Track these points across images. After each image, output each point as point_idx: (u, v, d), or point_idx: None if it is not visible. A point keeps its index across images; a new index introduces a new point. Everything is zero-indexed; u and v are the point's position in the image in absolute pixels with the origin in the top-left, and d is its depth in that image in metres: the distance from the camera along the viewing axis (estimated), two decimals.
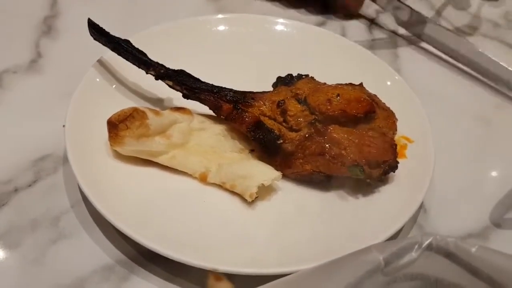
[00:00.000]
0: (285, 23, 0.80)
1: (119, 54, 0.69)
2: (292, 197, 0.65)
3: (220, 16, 0.80)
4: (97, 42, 0.70)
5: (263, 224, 0.62)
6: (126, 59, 0.69)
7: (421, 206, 0.66)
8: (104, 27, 0.69)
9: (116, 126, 0.63)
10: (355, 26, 0.86)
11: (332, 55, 0.77)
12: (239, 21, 0.80)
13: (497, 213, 0.67)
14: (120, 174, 0.63)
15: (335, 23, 0.87)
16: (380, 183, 0.65)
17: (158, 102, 0.71)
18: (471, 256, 0.48)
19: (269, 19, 0.80)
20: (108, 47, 0.69)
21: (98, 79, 0.70)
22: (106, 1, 0.85)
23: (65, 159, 0.66)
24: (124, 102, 0.69)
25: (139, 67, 0.68)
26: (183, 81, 0.67)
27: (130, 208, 0.60)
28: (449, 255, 0.48)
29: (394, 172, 0.64)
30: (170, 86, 0.68)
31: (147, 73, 0.68)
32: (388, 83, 0.74)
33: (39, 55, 0.79)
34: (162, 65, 0.67)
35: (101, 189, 0.60)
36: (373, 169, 0.62)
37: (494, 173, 0.73)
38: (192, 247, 0.58)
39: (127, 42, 0.68)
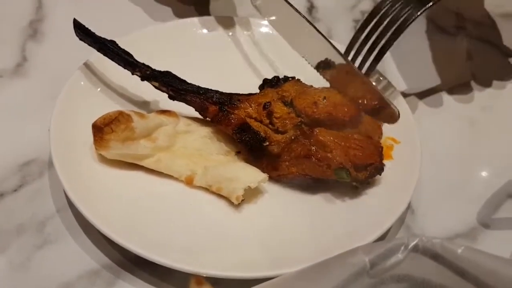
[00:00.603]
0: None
1: (105, 54, 0.68)
2: (279, 199, 0.64)
3: (205, 18, 0.80)
4: (82, 45, 0.69)
5: (249, 227, 0.62)
6: (112, 60, 0.68)
7: (409, 207, 0.66)
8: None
9: (101, 129, 0.62)
10: (341, 27, 0.86)
11: None
12: (225, 23, 0.79)
13: (484, 213, 0.67)
14: (106, 178, 0.63)
15: (322, 25, 0.87)
16: (366, 185, 0.65)
17: (144, 105, 0.71)
18: (457, 257, 0.48)
19: (255, 21, 0.80)
20: (94, 47, 0.69)
21: (83, 83, 0.70)
22: (92, 5, 0.85)
23: (50, 164, 0.65)
24: (109, 106, 0.68)
25: (124, 68, 0.68)
26: (169, 82, 0.66)
27: (115, 212, 0.60)
28: (435, 256, 0.48)
29: (380, 174, 0.64)
30: (156, 87, 0.67)
31: (132, 74, 0.68)
32: (375, 84, 0.74)
33: (24, 58, 0.78)
34: (148, 66, 0.67)
35: (86, 194, 0.60)
36: (359, 172, 0.63)
37: (481, 173, 0.73)
38: (178, 251, 0.58)
39: (113, 42, 0.68)
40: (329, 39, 0.70)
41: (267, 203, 0.64)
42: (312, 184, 0.64)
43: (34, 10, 0.84)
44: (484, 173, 0.73)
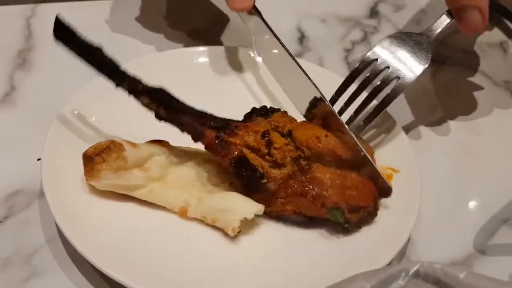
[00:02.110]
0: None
1: (88, 62, 0.62)
2: (276, 231, 0.63)
3: (192, 48, 0.79)
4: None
5: (245, 259, 0.61)
6: (96, 68, 0.63)
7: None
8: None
9: (92, 159, 0.61)
10: (332, 56, 0.86)
11: None
12: (214, 53, 0.79)
13: (480, 240, 0.67)
14: (97, 209, 0.62)
15: (313, 54, 0.88)
16: (357, 229, 0.64)
17: (135, 136, 0.68)
18: (460, 283, 0.47)
19: (244, 51, 0.79)
20: (75, 52, 0.62)
21: (75, 112, 0.69)
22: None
23: (39, 194, 0.64)
24: (101, 135, 0.68)
25: (109, 79, 0.63)
26: (163, 100, 0.62)
27: (107, 244, 0.59)
28: (437, 282, 0.48)
29: (372, 220, 0.63)
30: (144, 105, 0.63)
31: (117, 86, 0.63)
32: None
33: (13, 88, 0.77)
34: (139, 80, 0.63)
35: (77, 225, 0.59)
36: (352, 213, 0.62)
37: (475, 200, 0.73)
38: (172, 285, 0.57)
39: (100, 48, 0.62)
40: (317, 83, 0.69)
41: (263, 234, 0.63)
42: (305, 222, 0.64)
43: (23, 40, 0.84)
44: (478, 199, 0.73)
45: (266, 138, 0.63)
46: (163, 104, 0.62)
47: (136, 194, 0.63)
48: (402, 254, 0.65)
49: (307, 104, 0.69)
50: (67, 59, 0.64)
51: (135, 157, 0.62)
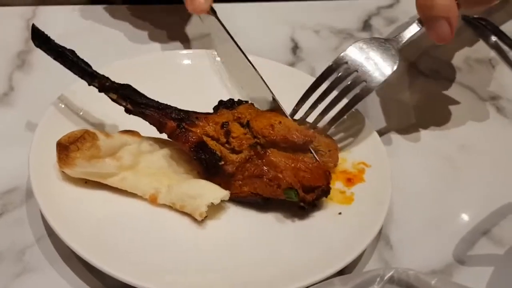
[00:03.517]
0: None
1: (62, 63, 0.68)
2: (240, 216, 0.66)
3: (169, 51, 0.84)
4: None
5: (212, 243, 0.63)
6: (69, 69, 0.68)
7: (388, 242, 0.67)
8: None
9: (67, 147, 0.63)
10: (324, 67, 0.86)
11: (284, 84, 0.77)
12: (190, 56, 0.82)
13: (460, 250, 0.68)
14: (79, 200, 0.64)
15: (305, 64, 0.90)
16: (313, 207, 0.66)
17: (107, 127, 0.72)
18: None
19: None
20: (51, 55, 0.68)
21: (61, 112, 0.71)
22: (79, 37, 0.85)
23: (30, 192, 0.65)
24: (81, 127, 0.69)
25: (82, 78, 0.68)
26: (128, 95, 0.67)
27: (87, 234, 0.61)
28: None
29: (326, 197, 0.66)
30: (113, 100, 0.67)
31: (89, 84, 0.68)
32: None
33: (11, 88, 0.79)
34: (107, 78, 0.68)
35: (66, 221, 0.61)
36: (307, 193, 0.65)
37: (457, 210, 0.73)
38: (145, 270, 0.59)
39: (72, 52, 0.68)
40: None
41: (228, 219, 0.66)
42: (262, 204, 0.66)
43: (23, 41, 0.86)
44: (460, 210, 0.73)
45: (225, 128, 0.67)
46: (129, 99, 0.67)
47: (109, 182, 0.65)
48: (381, 260, 0.66)
49: (258, 96, 0.74)
50: None
51: (108, 146, 0.64)
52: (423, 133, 0.81)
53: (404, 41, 0.74)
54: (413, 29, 0.74)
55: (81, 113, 0.72)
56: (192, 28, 0.90)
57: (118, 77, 0.69)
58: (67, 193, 0.64)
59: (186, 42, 0.88)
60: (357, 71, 0.72)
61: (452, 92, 0.87)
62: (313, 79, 0.74)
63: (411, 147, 0.79)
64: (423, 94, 0.87)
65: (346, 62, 0.72)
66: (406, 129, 0.81)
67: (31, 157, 0.64)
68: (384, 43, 0.73)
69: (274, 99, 0.73)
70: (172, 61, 0.81)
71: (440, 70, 0.91)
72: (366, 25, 0.98)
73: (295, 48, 0.92)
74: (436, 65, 0.91)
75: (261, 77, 0.74)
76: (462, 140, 0.81)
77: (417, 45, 0.91)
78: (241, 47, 0.78)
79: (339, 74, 0.72)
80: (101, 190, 0.65)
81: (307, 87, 0.73)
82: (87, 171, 0.64)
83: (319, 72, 0.74)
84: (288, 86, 0.76)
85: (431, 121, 0.83)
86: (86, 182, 0.65)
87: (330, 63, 0.72)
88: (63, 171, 0.64)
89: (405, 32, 0.74)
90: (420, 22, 0.74)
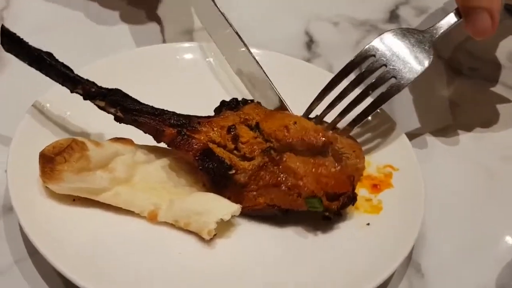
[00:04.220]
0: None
1: (39, 69, 0.64)
2: (253, 231, 0.62)
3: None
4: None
5: (223, 264, 0.59)
6: (47, 76, 0.64)
7: (419, 269, 0.62)
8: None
9: (52, 159, 0.58)
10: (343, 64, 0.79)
11: (299, 82, 0.73)
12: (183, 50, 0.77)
13: (504, 278, 0.62)
14: (63, 218, 0.59)
15: (322, 61, 0.84)
16: (338, 216, 0.62)
17: (96, 135, 0.67)
18: None
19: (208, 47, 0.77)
20: (25, 61, 0.64)
21: (39, 120, 0.66)
22: (57, 31, 0.80)
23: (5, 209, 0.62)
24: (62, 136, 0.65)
25: (63, 85, 0.64)
26: (119, 102, 0.63)
27: (77, 256, 0.57)
28: None
29: (353, 204, 0.62)
30: (101, 108, 0.63)
31: (72, 91, 0.63)
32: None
33: None
34: (92, 83, 0.63)
35: (50, 240, 0.56)
36: (332, 201, 0.61)
37: (499, 232, 0.67)
38: None
39: (50, 55, 0.63)
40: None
41: (240, 236, 0.61)
42: (280, 216, 0.62)
43: None
44: (503, 232, 0.67)
45: (232, 133, 0.63)
46: (119, 106, 0.63)
47: (101, 198, 0.60)
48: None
49: (263, 94, 0.71)
50: None
51: (99, 156, 0.60)
52: (459, 137, 0.76)
53: (439, 34, 0.70)
54: (450, 19, 0.70)
55: (62, 120, 0.67)
56: (186, 19, 0.85)
57: (101, 78, 0.65)
58: (52, 212, 0.59)
59: (179, 35, 0.83)
60: (386, 66, 0.68)
61: (493, 93, 0.82)
62: (332, 75, 0.70)
63: (444, 152, 0.74)
64: (458, 95, 0.81)
65: (373, 55, 0.68)
66: (438, 133, 0.76)
67: (9, 172, 0.60)
68: (417, 35, 0.69)
69: (278, 96, 0.70)
70: (164, 56, 0.76)
71: (479, 68, 0.85)
72: (393, 16, 0.92)
73: (310, 42, 0.87)
74: (474, 62, 0.86)
75: (264, 71, 0.70)
76: (504, 149, 0.76)
77: (452, 39, 0.86)
78: (247, 43, 0.73)
79: (365, 68, 0.68)
80: (92, 207, 0.60)
81: (305, 77, 0.71)
82: (76, 187, 0.60)
83: (337, 70, 0.69)
84: (302, 84, 0.73)
85: (467, 125, 0.77)
86: (74, 200, 0.61)
87: (354, 57, 0.69)
88: (47, 187, 0.60)
89: (440, 23, 0.70)
90: (458, 12, 0.70)
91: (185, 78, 0.74)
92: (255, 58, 0.71)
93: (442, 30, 0.70)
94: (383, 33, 0.69)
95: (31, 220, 0.57)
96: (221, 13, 0.73)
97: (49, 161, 0.58)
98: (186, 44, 0.78)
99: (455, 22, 0.69)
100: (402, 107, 0.76)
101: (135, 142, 0.64)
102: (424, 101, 0.79)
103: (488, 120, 0.78)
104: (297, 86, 0.72)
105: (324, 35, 0.87)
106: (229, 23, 0.73)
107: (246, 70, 0.73)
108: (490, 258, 0.64)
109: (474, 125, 0.77)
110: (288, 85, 0.71)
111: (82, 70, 0.65)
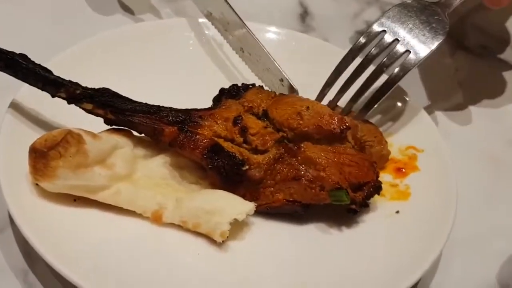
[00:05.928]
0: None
1: (14, 74, 0.59)
2: (269, 231, 0.58)
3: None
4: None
5: (237, 270, 0.55)
6: (24, 81, 0.59)
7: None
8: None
9: (45, 154, 0.54)
10: (340, 39, 0.79)
11: (313, 60, 0.71)
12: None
13: (506, 272, 0.61)
14: (61, 219, 0.55)
15: (317, 35, 0.82)
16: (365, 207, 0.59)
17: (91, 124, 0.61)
18: None
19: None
20: None
21: (22, 117, 0.61)
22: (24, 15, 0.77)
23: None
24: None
25: (43, 90, 0.59)
26: (108, 102, 0.59)
27: (79, 260, 0.53)
28: None
29: (378, 194, 0.60)
30: (87, 111, 0.59)
31: (54, 96, 0.59)
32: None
33: None
34: (77, 84, 0.59)
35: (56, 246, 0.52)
36: (356, 192, 0.58)
37: (504, 226, 0.65)
38: None
39: (24, 57, 0.59)
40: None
41: (257, 239, 0.57)
42: (300, 212, 0.59)
43: None
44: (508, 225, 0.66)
45: (239, 124, 0.60)
46: (109, 107, 0.59)
47: (99, 197, 0.56)
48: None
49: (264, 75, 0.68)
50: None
51: (97, 150, 0.56)
52: (472, 116, 0.74)
53: (454, 4, 0.69)
54: None
55: (49, 111, 0.62)
56: None
57: (77, 65, 0.63)
58: (47, 214, 0.55)
59: (163, 9, 0.79)
60: (398, 40, 0.65)
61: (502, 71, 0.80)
62: (335, 48, 0.67)
63: (459, 131, 0.72)
64: (469, 72, 0.79)
65: (384, 31, 0.66)
66: (452, 110, 0.74)
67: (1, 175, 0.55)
68: (430, 7, 0.67)
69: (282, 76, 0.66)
70: (148, 34, 0.71)
71: (487, 46, 0.83)
72: None
73: (304, 14, 0.86)
74: (483, 40, 0.84)
75: (265, 49, 0.67)
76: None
77: (460, 13, 0.84)
78: (238, 14, 0.70)
79: (376, 44, 0.66)
80: (90, 208, 0.57)
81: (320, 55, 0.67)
82: (71, 184, 0.55)
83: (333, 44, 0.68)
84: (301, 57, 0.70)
85: (479, 104, 0.75)
86: (75, 200, 0.57)
87: (363, 34, 0.66)
88: (38, 185, 0.55)
89: None
90: None
91: (176, 59, 0.70)
92: (253, 35, 0.68)
93: (456, 1, 0.68)
94: (392, 7, 0.68)
95: (30, 227, 0.52)
96: None
97: (42, 156, 0.54)
98: (175, 20, 0.74)
99: None
100: (408, 87, 0.73)
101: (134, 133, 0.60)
102: (430, 77, 0.77)
103: (497, 100, 0.77)
104: (295, 60, 0.69)
105: (319, 7, 0.86)
106: None
107: (245, 45, 0.69)
108: (494, 253, 0.62)
109: (483, 104, 0.76)
110: (286, 59, 0.67)
111: (64, 53, 0.62)
